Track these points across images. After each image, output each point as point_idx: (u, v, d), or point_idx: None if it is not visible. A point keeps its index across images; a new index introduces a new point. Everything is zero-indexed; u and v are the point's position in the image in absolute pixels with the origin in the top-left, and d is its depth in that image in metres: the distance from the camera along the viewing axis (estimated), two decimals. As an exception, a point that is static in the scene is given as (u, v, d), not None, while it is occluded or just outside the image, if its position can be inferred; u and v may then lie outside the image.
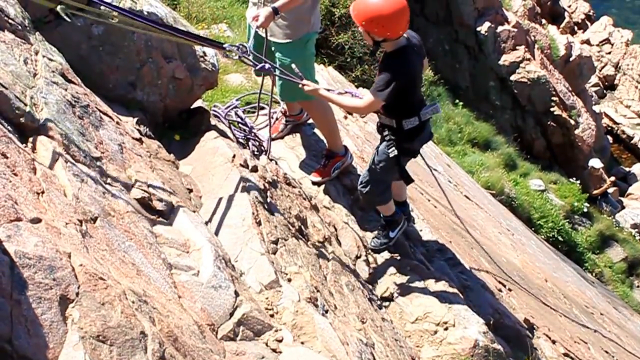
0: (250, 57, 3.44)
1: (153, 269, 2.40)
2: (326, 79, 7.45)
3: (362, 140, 6.21)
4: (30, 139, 2.40)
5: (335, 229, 4.20)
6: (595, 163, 15.36)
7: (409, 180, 4.15)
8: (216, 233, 3.10)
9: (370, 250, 4.34)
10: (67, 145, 2.52)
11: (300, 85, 3.75)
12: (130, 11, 3.26)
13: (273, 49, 4.10)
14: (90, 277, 1.90)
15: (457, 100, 13.52)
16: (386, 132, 3.93)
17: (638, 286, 13.80)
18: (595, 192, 15.27)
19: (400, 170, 4.03)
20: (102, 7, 3.12)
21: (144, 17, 3.32)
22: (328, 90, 3.99)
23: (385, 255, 4.37)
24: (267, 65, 3.50)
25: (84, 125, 2.77)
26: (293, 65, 3.81)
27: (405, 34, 3.71)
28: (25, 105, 2.44)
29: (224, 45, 3.40)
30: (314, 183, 4.58)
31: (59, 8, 2.72)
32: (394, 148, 3.86)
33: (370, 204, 4.43)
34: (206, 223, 3.13)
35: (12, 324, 1.59)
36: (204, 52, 4.13)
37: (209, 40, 3.63)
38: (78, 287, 1.83)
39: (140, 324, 1.93)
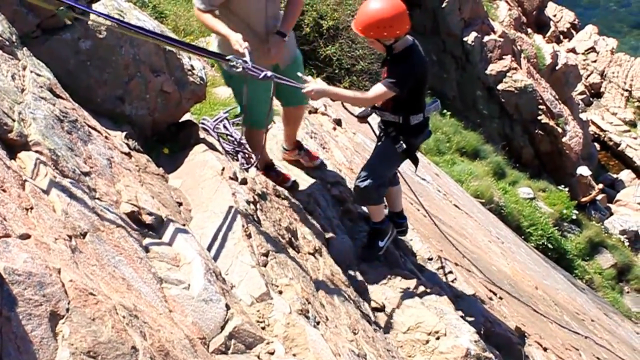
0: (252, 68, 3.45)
1: (143, 283, 2.40)
2: (314, 90, 7.47)
3: (351, 151, 6.23)
4: (19, 155, 2.40)
5: (326, 240, 4.21)
6: (584, 171, 15.47)
7: (416, 161, 4.27)
8: (206, 246, 3.09)
9: (361, 260, 4.35)
10: (56, 161, 2.51)
11: (305, 87, 3.77)
12: (132, 25, 3.26)
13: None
14: (80, 292, 1.89)
15: (445, 110, 13.59)
16: (391, 129, 4.02)
17: (628, 292, 13.87)
18: (584, 199, 15.37)
19: (411, 158, 4.17)
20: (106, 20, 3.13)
21: (146, 30, 3.31)
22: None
23: (376, 265, 4.37)
24: (269, 74, 3.51)
25: (73, 140, 2.76)
26: (299, 73, 3.85)
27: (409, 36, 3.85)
28: (13, 120, 2.44)
29: (228, 57, 3.41)
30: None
31: (59, 11, 2.72)
32: (401, 142, 4.01)
33: (364, 199, 4.40)
34: (196, 237, 3.12)
35: (2, 341, 1.58)
36: (191, 66, 4.14)
37: (212, 53, 3.64)
38: (68, 303, 1.82)
39: (131, 339, 1.92)
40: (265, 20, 3.87)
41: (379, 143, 4.17)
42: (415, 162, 4.28)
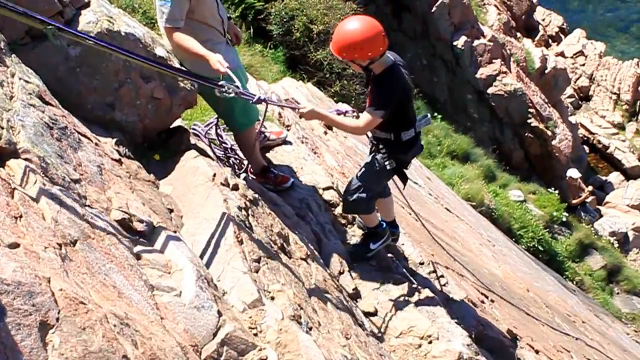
0: (242, 90, 3.50)
1: (134, 291, 2.38)
2: (305, 95, 7.49)
3: (342, 155, 6.24)
4: (8, 163, 2.38)
5: (318, 246, 4.20)
6: (573, 173, 15.55)
7: (405, 180, 4.28)
8: (198, 253, 3.08)
9: (350, 259, 4.34)
10: (45, 168, 2.49)
11: (297, 111, 3.85)
12: (112, 44, 3.20)
13: None
14: (70, 301, 1.87)
15: (435, 114, 13.63)
16: (381, 146, 4.04)
17: (618, 293, 13.93)
18: (574, 201, 15.44)
19: (401, 177, 4.20)
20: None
21: (131, 52, 3.25)
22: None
23: (368, 270, 4.37)
24: (262, 97, 3.57)
25: (62, 148, 2.75)
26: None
27: (390, 54, 3.81)
28: (2, 128, 2.42)
29: (220, 83, 3.42)
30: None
31: (45, 29, 2.70)
32: (391, 160, 4.02)
33: (353, 212, 4.47)
34: (187, 243, 3.11)
35: (-9, 351, 1.57)
36: (187, 70, 4.12)
37: (204, 79, 3.59)
38: (58, 312, 1.81)
39: (123, 348, 1.91)
40: (219, 15, 4.01)
41: (370, 157, 4.17)
42: (404, 180, 4.27)
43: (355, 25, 3.66)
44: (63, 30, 2.70)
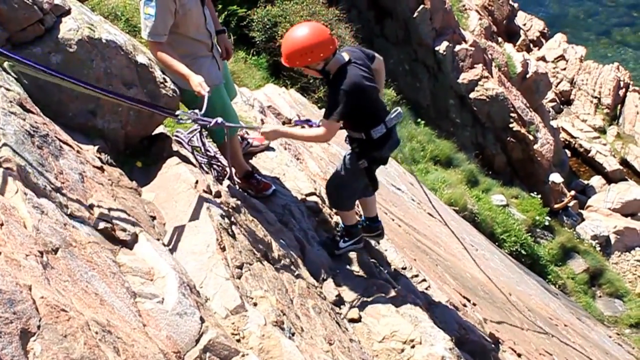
0: (202, 118, 3.55)
1: (117, 298, 2.39)
2: (288, 101, 7.51)
3: (325, 162, 6.26)
4: (-12, 171, 2.37)
5: (302, 252, 4.22)
6: (556, 178, 15.66)
7: (375, 186, 4.29)
8: (180, 260, 3.08)
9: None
10: (26, 176, 2.49)
11: (258, 129, 3.93)
12: (63, 74, 3.09)
13: None
14: (51, 309, 1.88)
15: (419, 119, 13.70)
16: (355, 145, 4.04)
17: (600, 296, 14.06)
18: (556, 206, 15.56)
19: (370, 179, 4.19)
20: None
21: (78, 80, 3.18)
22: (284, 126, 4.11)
23: (351, 276, 4.40)
24: (220, 120, 3.63)
25: (44, 155, 2.75)
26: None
27: (346, 53, 3.84)
28: (-17, 137, 2.42)
29: (177, 113, 3.51)
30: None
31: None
32: (363, 160, 4.04)
33: (336, 206, 4.56)
34: (170, 250, 3.12)
35: (-28, 360, 1.57)
36: (164, 79, 4.13)
37: (160, 108, 3.62)
38: (39, 320, 1.81)
39: (105, 355, 1.92)
40: (207, 28, 4.02)
41: (347, 153, 4.21)
42: (374, 185, 4.28)
43: (299, 32, 3.71)
44: (5, 55, 2.70)
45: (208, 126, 3.58)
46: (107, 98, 3.37)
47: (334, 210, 4.74)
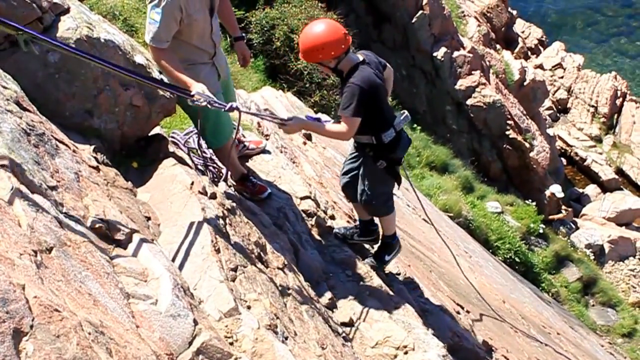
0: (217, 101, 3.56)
1: (110, 298, 2.38)
2: (285, 105, 7.51)
3: (321, 165, 6.26)
4: (-16, 169, 2.37)
5: (296, 255, 4.21)
6: (556, 190, 15.65)
7: (399, 181, 4.38)
8: (175, 261, 3.08)
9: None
10: (22, 175, 2.48)
11: (281, 126, 3.99)
12: (84, 52, 3.19)
13: None
14: (45, 309, 1.87)
15: (415, 125, 13.72)
16: (367, 149, 4.14)
17: (593, 305, 14.09)
18: (551, 217, 15.58)
19: (394, 176, 4.28)
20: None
21: (103, 59, 3.24)
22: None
23: (345, 280, 4.39)
24: (235, 104, 3.62)
25: (40, 154, 2.74)
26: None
27: (361, 54, 3.95)
28: (-21, 134, 2.41)
29: (192, 93, 3.47)
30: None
31: (18, 37, 2.70)
32: (381, 161, 4.11)
33: (375, 213, 4.62)
34: (164, 251, 3.11)
35: (-36, 359, 1.56)
36: (161, 79, 4.13)
37: (177, 88, 3.62)
38: (32, 320, 1.80)
39: (97, 356, 1.91)
40: (212, 38, 4.01)
41: (361, 165, 4.27)
42: (398, 180, 4.35)
43: (313, 29, 3.81)
44: (37, 37, 2.70)
45: (223, 110, 3.59)
46: (129, 78, 3.49)
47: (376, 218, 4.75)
